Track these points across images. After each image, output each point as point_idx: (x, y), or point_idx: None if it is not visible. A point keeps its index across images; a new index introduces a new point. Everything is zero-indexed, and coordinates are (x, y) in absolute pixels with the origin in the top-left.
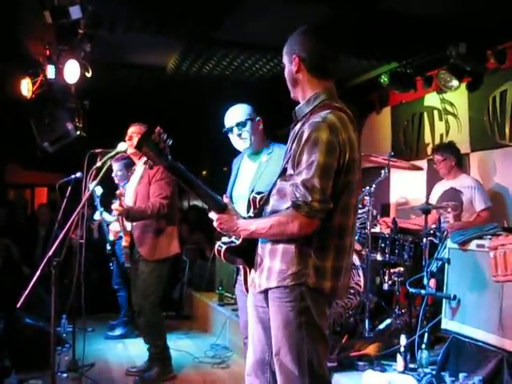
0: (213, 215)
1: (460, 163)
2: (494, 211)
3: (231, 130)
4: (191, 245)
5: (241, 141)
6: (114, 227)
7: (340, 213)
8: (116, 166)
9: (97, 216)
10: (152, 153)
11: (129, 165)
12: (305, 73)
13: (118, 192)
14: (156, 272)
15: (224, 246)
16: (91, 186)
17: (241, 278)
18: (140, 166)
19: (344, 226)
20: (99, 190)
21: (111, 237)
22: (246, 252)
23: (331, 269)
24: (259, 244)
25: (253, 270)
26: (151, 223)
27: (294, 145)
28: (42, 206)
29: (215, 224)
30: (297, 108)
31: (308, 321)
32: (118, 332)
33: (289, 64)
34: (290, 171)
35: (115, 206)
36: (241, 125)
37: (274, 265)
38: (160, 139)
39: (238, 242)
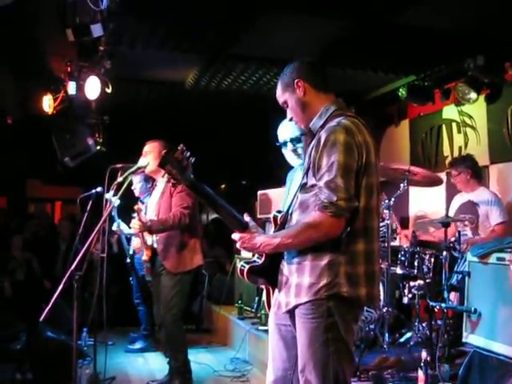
0: (235, 235)
1: (477, 176)
2: (510, 224)
3: (285, 144)
4: (211, 258)
5: (295, 156)
6: (136, 243)
7: (363, 214)
8: (136, 179)
9: (114, 227)
10: (175, 171)
11: (148, 177)
12: (311, 92)
13: (136, 207)
14: (179, 285)
15: (247, 266)
16: (107, 195)
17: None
18: (161, 181)
19: (369, 229)
20: (116, 201)
21: (132, 251)
22: (269, 271)
23: (364, 275)
24: (284, 263)
25: (276, 291)
26: (174, 236)
27: (313, 153)
28: (63, 220)
29: (238, 245)
30: (310, 124)
31: (334, 337)
32: (138, 345)
33: (292, 94)
34: (310, 182)
35: (134, 222)
36: (295, 140)
37: (303, 280)
38: (183, 157)
39: (260, 262)
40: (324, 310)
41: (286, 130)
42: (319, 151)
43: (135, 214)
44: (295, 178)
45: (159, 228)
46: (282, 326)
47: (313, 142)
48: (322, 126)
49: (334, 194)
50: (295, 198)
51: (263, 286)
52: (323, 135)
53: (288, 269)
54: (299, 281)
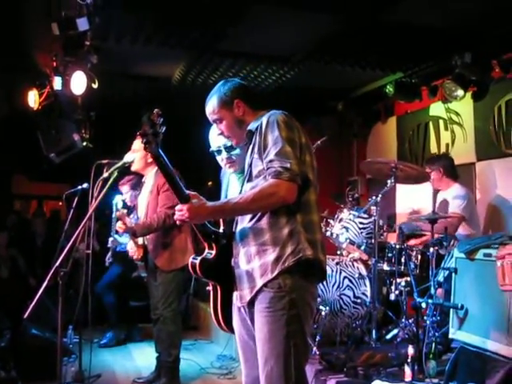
0: (178, 207)
1: (450, 174)
2: (497, 220)
3: (219, 152)
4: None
5: (228, 164)
6: (130, 246)
7: (313, 188)
8: (124, 189)
9: (110, 243)
10: (150, 131)
11: (136, 184)
12: (248, 111)
13: (118, 213)
14: (175, 281)
15: (198, 259)
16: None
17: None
18: (150, 177)
19: (316, 203)
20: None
21: (130, 254)
22: (221, 266)
23: (320, 243)
24: (240, 254)
25: (237, 286)
26: (164, 235)
27: (257, 139)
28: (36, 218)
29: (182, 215)
30: (249, 127)
31: (296, 329)
32: (106, 339)
33: (230, 112)
34: (256, 170)
35: (118, 225)
36: (230, 148)
37: (266, 259)
38: (157, 121)
39: (212, 255)
40: (286, 302)
41: (220, 137)
42: (263, 133)
43: (119, 222)
44: (232, 181)
45: (143, 232)
46: (248, 325)
47: (252, 140)
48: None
49: (286, 161)
50: (243, 191)
51: (210, 288)
52: (264, 120)
53: (246, 257)
54: (263, 261)
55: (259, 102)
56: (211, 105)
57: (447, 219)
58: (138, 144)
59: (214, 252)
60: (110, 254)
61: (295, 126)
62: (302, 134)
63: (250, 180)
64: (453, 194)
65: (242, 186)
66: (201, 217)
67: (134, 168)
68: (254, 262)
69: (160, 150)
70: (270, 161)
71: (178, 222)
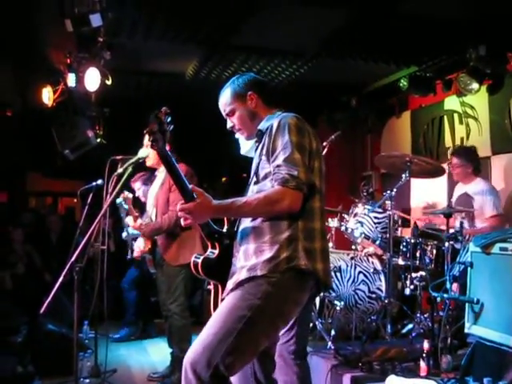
0: (182, 206)
1: (476, 169)
2: None
3: None
4: None
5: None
6: (139, 244)
7: (319, 194)
8: (136, 186)
9: (124, 235)
10: (158, 128)
11: (148, 179)
12: (261, 105)
13: (122, 196)
14: (182, 275)
15: (201, 258)
16: (118, 201)
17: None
18: (162, 171)
19: (323, 210)
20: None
21: (135, 254)
22: (223, 266)
23: (320, 251)
24: (239, 253)
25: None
26: (174, 230)
27: (266, 141)
28: (52, 215)
29: (186, 214)
30: (259, 126)
31: (256, 321)
32: (120, 334)
33: (243, 104)
34: (263, 172)
35: (129, 219)
36: None
37: (261, 258)
38: (164, 120)
39: (215, 254)
40: (262, 290)
41: None
42: (272, 136)
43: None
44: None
45: (152, 234)
46: None
47: (262, 141)
48: (271, 124)
49: (294, 168)
50: (250, 192)
51: (211, 286)
52: (275, 123)
53: (244, 256)
54: (257, 260)
55: (273, 98)
56: (225, 96)
57: (489, 225)
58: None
59: (216, 252)
60: (129, 250)
61: (306, 130)
62: (312, 138)
63: (256, 182)
64: (478, 191)
65: (248, 186)
66: (205, 216)
67: (149, 164)
68: (250, 261)
69: (166, 149)
70: (278, 166)
71: (183, 224)
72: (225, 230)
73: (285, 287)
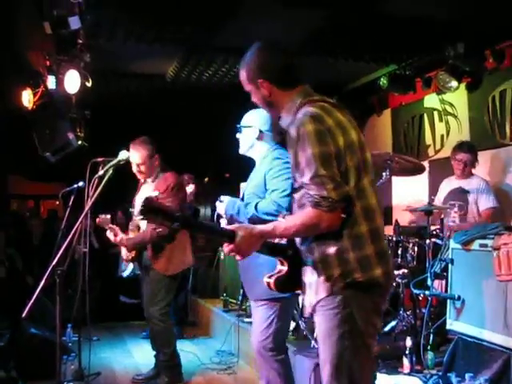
0: (225, 249)
1: (474, 163)
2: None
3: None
4: (208, 253)
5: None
6: (123, 253)
7: (357, 196)
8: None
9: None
10: (159, 218)
11: None
12: (276, 91)
13: (97, 221)
14: (165, 281)
15: (272, 279)
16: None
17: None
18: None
19: (367, 208)
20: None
21: (124, 264)
22: (296, 276)
23: (375, 255)
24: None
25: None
26: (158, 242)
27: (290, 147)
28: (33, 219)
29: (235, 256)
30: (281, 123)
31: (351, 330)
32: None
33: (256, 90)
34: (297, 182)
35: (109, 235)
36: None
37: (318, 277)
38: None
39: (284, 271)
40: (340, 299)
41: (256, 118)
42: (294, 148)
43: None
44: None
45: (135, 247)
46: None
47: (286, 141)
48: (292, 121)
49: (323, 187)
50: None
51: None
52: (292, 130)
53: (304, 269)
54: (315, 278)
55: (289, 79)
56: (242, 74)
57: (482, 217)
58: (133, 152)
59: (285, 268)
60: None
61: (326, 128)
62: (338, 132)
63: (295, 190)
64: (473, 186)
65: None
66: (254, 245)
67: (142, 178)
68: (308, 276)
69: (184, 218)
70: (306, 185)
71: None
72: (284, 241)
73: (351, 305)
